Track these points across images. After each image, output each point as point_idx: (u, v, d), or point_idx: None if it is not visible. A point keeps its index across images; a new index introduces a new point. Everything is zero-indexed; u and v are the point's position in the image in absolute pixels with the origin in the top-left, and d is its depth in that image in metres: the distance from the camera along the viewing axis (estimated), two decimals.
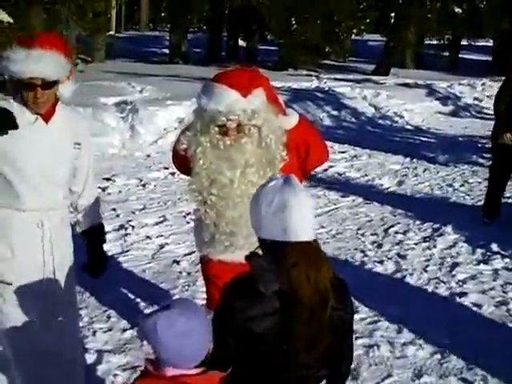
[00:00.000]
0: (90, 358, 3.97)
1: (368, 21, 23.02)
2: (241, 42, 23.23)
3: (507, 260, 5.85)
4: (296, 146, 3.20)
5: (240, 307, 2.16)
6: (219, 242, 3.19)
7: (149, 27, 41.68)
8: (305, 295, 2.11)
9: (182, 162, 3.26)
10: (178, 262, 5.51)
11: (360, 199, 7.54)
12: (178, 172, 3.62)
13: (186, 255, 5.67)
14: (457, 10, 24.34)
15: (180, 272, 5.33)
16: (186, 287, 5.04)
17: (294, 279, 2.10)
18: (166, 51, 22.31)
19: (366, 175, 8.83)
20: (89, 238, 3.26)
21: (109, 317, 4.51)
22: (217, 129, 3.01)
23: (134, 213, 6.78)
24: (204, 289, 4.89)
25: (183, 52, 20.74)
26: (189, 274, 5.29)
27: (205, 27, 27.31)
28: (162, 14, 35.34)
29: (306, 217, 2.15)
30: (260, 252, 2.25)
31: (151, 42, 28.28)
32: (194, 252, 5.69)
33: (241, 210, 3.04)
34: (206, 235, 3.21)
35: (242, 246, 3.11)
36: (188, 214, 6.75)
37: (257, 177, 3.04)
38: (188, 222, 6.50)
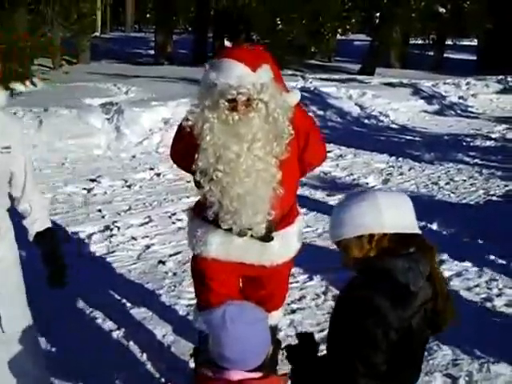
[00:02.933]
0: (76, 358, 3.95)
1: (353, 21, 23.10)
2: (226, 43, 23.20)
3: (492, 257, 5.88)
4: (297, 129, 3.14)
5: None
6: (223, 222, 3.13)
7: (134, 28, 41.62)
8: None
9: (184, 146, 3.19)
10: (163, 263, 5.50)
11: None
12: (175, 165, 3.52)
13: (171, 255, 5.65)
14: (441, 9, 24.46)
15: (166, 272, 5.32)
16: (172, 287, 5.02)
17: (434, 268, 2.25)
18: (152, 52, 22.30)
19: (352, 174, 8.85)
20: (39, 247, 3.05)
21: (94, 318, 4.49)
22: (226, 103, 2.96)
23: (119, 214, 6.76)
24: (190, 289, 4.91)
25: (169, 53, 20.73)
26: (175, 274, 5.28)
27: (190, 28, 27.27)
28: (148, 15, 35.28)
29: None
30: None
31: (137, 43, 28.24)
32: (179, 252, 5.70)
33: (247, 186, 3.02)
34: (209, 214, 3.13)
35: (244, 226, 3.11)
36: (173, 214, 6.75)
37: (263, 152, 3.02)
38: (174, 223, 6.50)
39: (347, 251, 2.29)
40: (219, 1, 22.34)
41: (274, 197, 3.07)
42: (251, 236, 3.18)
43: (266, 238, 3.21)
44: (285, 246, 3.33)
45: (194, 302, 4.73)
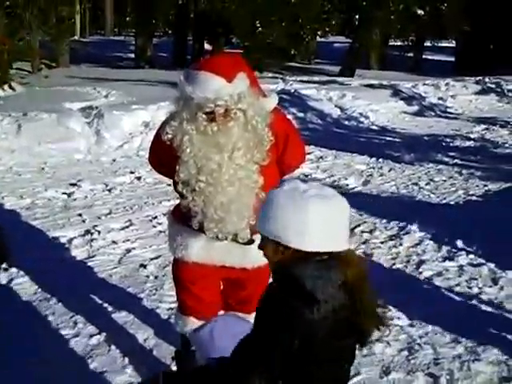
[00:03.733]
0: (57, 363, 3.93)
1: (333, 23, 23.19)
2: (206, 46, 23.21)
3: (472, 256, 5.93)
4: (275, 133, 3.16)
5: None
6: (208, 231, 3.14)
7: (114, 32, 41.45)
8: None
9: (163, 155, 3.22)
10: (144, 266, 5.48)
11: None
12: (155, 171, 3.54)
13: (152, 259, 5.63)
14: (419, 11, 24.62)
15: (147, 276, 5.30)
16: (154, 291, 5.01)
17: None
18: (132, 56, 22.24)
19: (332, 176, 8.87)
20: None
21: (75, 322, 4.46)
22: (204, 116, 2.99)
23: (99, 218, 6.73)
24: (171, 292, 4.90)
25: (149, 56, 20.71)
26: (156, 277, 5.26)
27: (170, 31, 27.24)
28: (127, 19, 35.17)
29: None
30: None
31: (116, 46, 28.14)
32: (160, 256, 5.68)
33: (230, 195, 3.05)
34: (194, 223, 3.15)
35: (230, 233, 3.14)
36: (154, 217, 6.73)
37: (244, 160, 3.05)
38: (154, 226, 6.48)
39: (264, 247, 2.24)
40: (198, 4, 22.33)
41: (257, 202, 3.07)
42: (232, 239, 3.19)
43: (248, 241, 3.23)
44: (256, 251, 3.35)
45: (176, 305, 4.74)
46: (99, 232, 6.26)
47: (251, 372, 2.08)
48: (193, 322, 3.36)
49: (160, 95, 12.09)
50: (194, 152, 3.02)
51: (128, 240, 6.11)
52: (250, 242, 3.23)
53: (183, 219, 3.23)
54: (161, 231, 6.30)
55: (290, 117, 12.80)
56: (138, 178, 8.29)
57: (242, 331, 2.15)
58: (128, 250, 5.86)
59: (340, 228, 2.16)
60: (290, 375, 2.13)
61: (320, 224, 2.09)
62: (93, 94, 12.93)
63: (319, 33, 22.94)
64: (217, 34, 21.81)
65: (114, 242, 6.04)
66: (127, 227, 6.47)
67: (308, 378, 2.13)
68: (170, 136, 3.07)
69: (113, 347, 4.15)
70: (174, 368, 3.83)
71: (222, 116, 2.99)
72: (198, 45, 22.89)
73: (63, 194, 7.57)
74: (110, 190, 7.78)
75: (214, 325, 2.11)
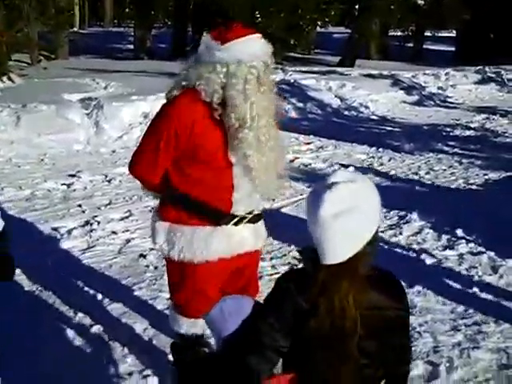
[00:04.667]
0: (59, 354, 3.93)
1: (333, 13, 23.11)
2: None
3: (472, 245, 5.93)
4: None
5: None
6: (237, 203, 3.13)
7: (113, 23, 41.32)
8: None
9: (182, 131, 3.04)
10: (144, 256, 5.48)
11: None
12: (137, 177, 3.28)
13: (152, 249, 5.59)
14: (420, 1, 24.57)
15: (147, 266, 5.30)
16: (154, 281, 5.01)
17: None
18: (131, 47, 22.19)
19: (332, 165, 8.86)
20: None
21: (75, 313, 4.47)
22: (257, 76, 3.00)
23: (99, 208, 6.73)
24: None
25: (148, 47, 20.66)
26: (156, 268, 5.26)
27: (169, 22, 27.16)
28: (127, 10, 35.06)
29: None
30: None
31: (116, 37, 28.08)
32: None
33: (269, 159, 3.08)
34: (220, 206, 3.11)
35: (256, 206, 3.20)
36: (154, 208, 6.72)
37: (274, 130, 3.11)
38: None
39: None
40: None
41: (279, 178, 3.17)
42: (243, 222, 3.19)
43: (258, 217, 3.27)
44: (263, 226, 3.38)
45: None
46: (99, 222, 6.26)
47: (248, 350, 2.11)
48: (198, 322, 3.33)
49: (159, 86, 11.93)
50: (250, 101, 2.96)
51: (128, 230, 6.11)
52: (259, 217, 3.28)
53: (192, 219, 3.14)
54: None
55: (289, 107, 12.87)
56: None
57: (251, 308, 2.19)
58: (128, 240, 5.86)
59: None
60: (291, 354, 2.17)
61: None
62: (92, 85, 12.90)
63: (319, 23, 22.81)
64: (216, 24, 21.71)
65: (113, 233, 6.04)
66: (127, 217, 6.47)
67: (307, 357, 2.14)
68: (216, 87, 2.97)
69: (112, 337, 4.15)
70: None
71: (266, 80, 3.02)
72: (198, 35, 22.82)
73: (63, 184, 7.57)
74: (109, 181, 7.78)
75: (223, 304, 2.11)
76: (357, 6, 23.28)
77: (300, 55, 22.91)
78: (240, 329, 2.17)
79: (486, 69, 19.03)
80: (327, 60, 21.71)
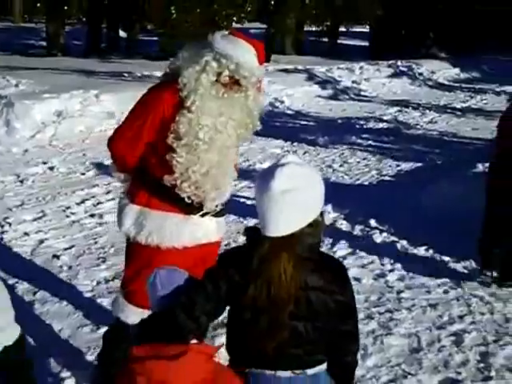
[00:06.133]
0: None
1: (249, 9, 23.18)
2: (121, 33, 22.85)
3: (385, 234, 6.09)
4: None
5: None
6: (181, 191, 3.18)
7: (23, 19, 40.13)
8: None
9: (157, 111, 3.14)
10: (58, 257, 5.37)
11: (242, 184, 7.57)
12: (117, 155, 3.30)
13: (66, 249, 5.54)
14: None
15: (60, 266, 5.21)
16: (68, 281, 4.93)
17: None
18: (44, 43, 21.64)
19: (248, 160, 8.90)
20: None
21: None
22: (227, 78, 3.10)
23: (11, 210, 6.55)
24: (86, 282, 4.87)
25: (61, 44, 20.17)
26: (70, 267, 5.18)
27: (84, 18, 26.65)
28: (38, 5, 34.16)
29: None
30: None
31: (27, 33, 27.28)
32: (74, 246, 5.62)
33: (214, 160, 3.17)
34: (168, 180, 3.17)
35: (201, 198, 3.22)
36: (68, 207, 6.61)
37: (235, 132, 3.22)
38: (68, 216, 6.38)
39: None
40: None
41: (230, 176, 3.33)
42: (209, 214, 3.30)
43: (220, 213, 3.38)
44: (223, 219, 3.50)
45: (90, 294, 4.69)
46: (10, 224, 6.10)
47: (175, 305, 2.26)
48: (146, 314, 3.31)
49: (73, 83, 11.86)
50: (202, 107, 3.07)
51: (41, 231, 5.98)
52: (222, 213, 3.39)
53: (164, 204, 3.21)
54: (74, 221, 6.22)
55: None
56: (51, 168, 8.10)
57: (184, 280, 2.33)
58: (41, 241, 5.74)
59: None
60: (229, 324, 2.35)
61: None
62: (1, 83, 12.49)
63: (234, 18, 22.82)
64: (131, 21, 21.48)
65: (25, 234, 5.90)
66: (40, 218, 6.33)
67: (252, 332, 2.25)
68: (184, 81, 3.08)
69: (29, 339, 4.06)
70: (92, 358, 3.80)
71: (235, 85, 3.12)
72: (113, 32, 22.51)
73: None
74: (21, 181, 7.58)
75: (157, 273, 2.33)
76: (272, 2, 23.43)
77: None
78: (172, 296, 2.29)
79: (399, 63, 19.50)
80: None
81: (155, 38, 21.38)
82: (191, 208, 3.23)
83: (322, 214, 2.28)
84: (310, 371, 2.29)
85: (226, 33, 3.19)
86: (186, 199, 3.20)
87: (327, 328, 2.27)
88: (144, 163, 3.24)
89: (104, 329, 3.85)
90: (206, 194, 3.22)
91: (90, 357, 3.90)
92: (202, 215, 3.27)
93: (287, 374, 2.26)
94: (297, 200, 2.15)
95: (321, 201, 2.28)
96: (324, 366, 2.34)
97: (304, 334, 2.24)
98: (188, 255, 3.25)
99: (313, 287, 2.22)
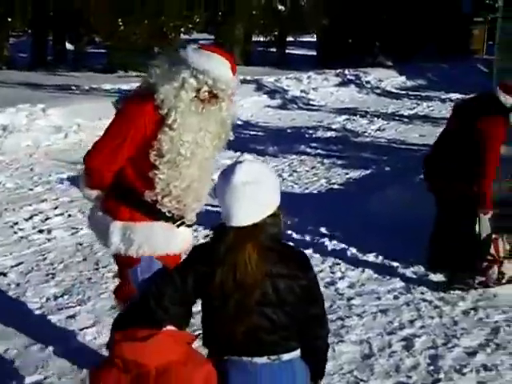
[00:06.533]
0: None
1: (197, 20, 23.20)
2: (68, 46, 22.60)
3: (335, 242, 6.14)
4: None
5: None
6: (162, 206, 3.20)
7: None
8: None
9: (134, 128, 3.12)
10: (5, 274, 5.27)
11: None
12: (96, 172, 3.23)
13: (13, 266, 5.43)
14: (280, 7, 25.15)
15: (8, 284, 5.10)
16: (16, 299, 4.84)
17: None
18: None
19: None
20: None
21: None
22: (206, 93, 3.13)
23: None
24: (35, 299, 4.78)
25: (6, 56, 19.88)
26: (18, 285, 5.08)
27: (29, 30, 26.27)
28: None
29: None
30: None
31: None
32: (22, 263, 5.51)
33: (195, 174, 3.21)
34: (149, 196, 3.18)
35: (183, 212, 3.27)
36: (15, 223, 6.50)
37: (211, 145, 3.26)
38: (15, 233, 6.26)
39: None
40: (57, 2, 21.64)
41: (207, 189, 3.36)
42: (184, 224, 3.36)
43: (191, 224, 3.44)
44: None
45: (39, 312, 4.62)
46: None
47: (147, 293, 2.49)
48: None
49: (19, 97, 11.71)
50: (183, 124, 3.10)
51: None
52: (192, 224, 3.44)
53: (148, 217, 3.22)
54: (22, 237, 6.11)
55: None
56: None
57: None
58: None
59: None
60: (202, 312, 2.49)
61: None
62: None
63: (182, 29, 22.81)
64: (78, 33, 21.28)
65: None
66: None
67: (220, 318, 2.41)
68: (161, 97, 3.08)
69: None
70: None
71: (212, 98, 3.17)
72: (59, 45, 22.25)
73: None
74: None
75: (139, 265, 2.84)
76: (220, 13, 23.50)
77: None
78: (148, 282, 2.64)
79: (346, 72, 19.76)
80: None
81: (103, 51, 21.22)
82: (173, 220, 3.28)
83: (279, 207, 2.45)
84: (285, 356, 2.44)
85: (196, 47, 3.22)
86: (167, 213, 3.23)
87: (297, 313, 2.44)
88: (122, 178, 3.22)
89: (52, 347, 3.80)
90: (188, 207, 3.27)
91: (39, 376, 3.83)
92: (178, 225, 3.31)
93: (263, 359, 2.42)
94: (256, 191, 2.34)
95: (278, 193, 2.45)
96: (298, 352, 2.49)
97: (276, 320, 2.40)
98: (172, 263, 3.25)
99: (279, 275, 2.38)
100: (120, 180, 3.23)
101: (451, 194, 5.41)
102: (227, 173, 2.37)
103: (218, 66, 3.14)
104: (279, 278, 2.38)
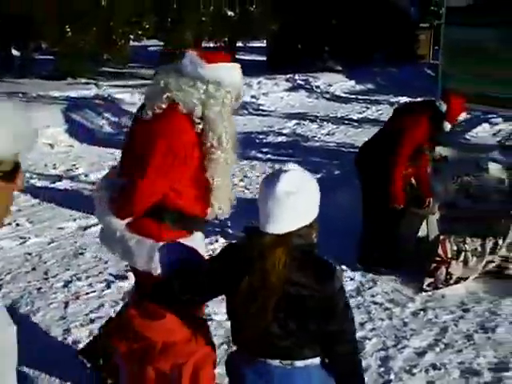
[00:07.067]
0: None
1: (146, 26, 23.08)
2: (14, 52, 22.23)
3: None
4: None
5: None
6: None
7: None
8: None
9: (178, 150, 3.02)
10: None
11: None
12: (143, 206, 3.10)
13: None
14: (229, 13, 25.20)
15: None
16: None
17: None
18: None
19: None
20: None
21: None
22: (233, 101, 3.20)
23: None
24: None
25: None
26: None
27: None
28: None
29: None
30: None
31: None
32: None
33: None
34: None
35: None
36: None
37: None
38: None
39: None
40: (2, 7, 21.29)
41: None
42: None
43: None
44: None
45: None
46: None
47: (173, 277, 2.78)
48: None
49: None
50: (226, 142, 3.11)
51: None
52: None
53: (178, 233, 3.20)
54: None
55: (103, 122, 12.66)
56: None
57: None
58: None
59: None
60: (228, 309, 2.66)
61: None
62: None
63: (131, 36, 22.66)
64: (25, 39, 20.96)
65: None
66: None
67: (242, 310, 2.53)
68: (195, 102, 3.05)
69: None
70: None
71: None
72: (5, 52, 21.88)
73: None
74: None
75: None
76: (169, 19, 23.41)
77: (114, 69, 22.63)
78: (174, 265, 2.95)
79: (296, 76, 19.88)
80: (142, 73, 21.61)
81: (50, 57, 20.94)
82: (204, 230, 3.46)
83: (315, 219, 2.52)
84: (298, 363, 2.51)
85: (198, 57, 3.10)
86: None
87: (308, 325, 2.48)
88: (164, 201, 3.12)
89: None
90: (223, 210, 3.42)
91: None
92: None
93: (276, 362, 2.51)
94: (298, 202, 2.42)
95: (317, 205, 2.53)
96: (316, 361, 2.55)
97: (287, 327, 2.47)
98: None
99: (294, 283, 2.45)
100: (160, 203, 3.11)
101: (373, 190, 5.58)
102: (271, 180, 2.46)
103: (234, 73, 3.17)
104: (294, 286, 2.44)
